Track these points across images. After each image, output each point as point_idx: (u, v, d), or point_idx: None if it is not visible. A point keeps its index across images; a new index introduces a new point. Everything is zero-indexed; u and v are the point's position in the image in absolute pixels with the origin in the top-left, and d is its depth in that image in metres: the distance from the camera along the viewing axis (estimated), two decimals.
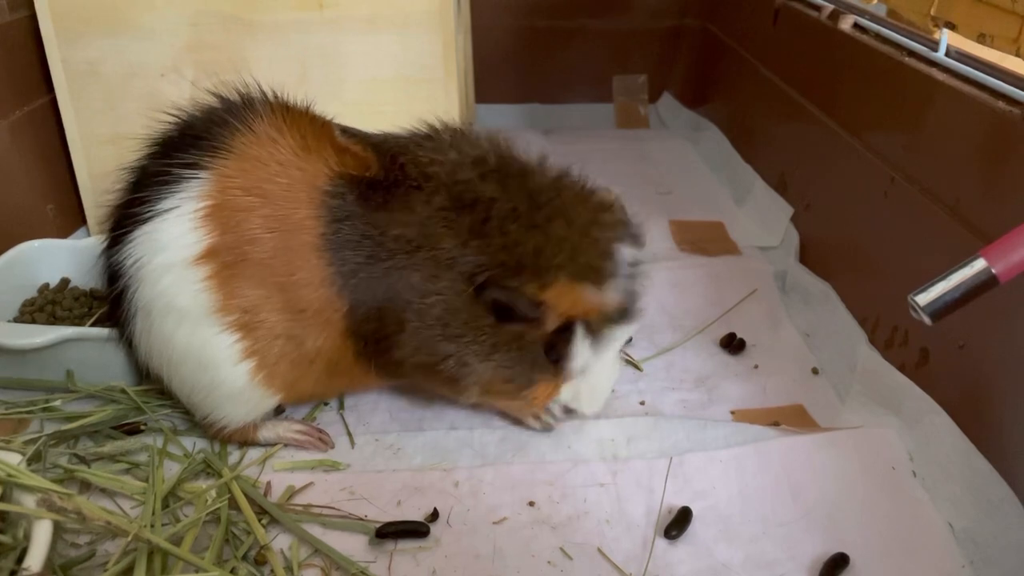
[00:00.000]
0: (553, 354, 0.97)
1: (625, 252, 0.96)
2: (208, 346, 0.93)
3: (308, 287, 0.93)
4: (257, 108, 0.96)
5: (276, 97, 0.99)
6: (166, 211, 0.92)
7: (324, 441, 1.05)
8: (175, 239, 0.91)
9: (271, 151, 0.93)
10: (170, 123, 0.99)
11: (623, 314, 0.97)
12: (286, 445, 1.04)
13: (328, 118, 1.01)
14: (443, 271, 0.92)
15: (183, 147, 0.94)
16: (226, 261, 0.91)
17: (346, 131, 1.01)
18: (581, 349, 0.97)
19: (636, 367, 1.23)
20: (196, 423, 1.04)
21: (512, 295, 0.92)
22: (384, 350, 0.96)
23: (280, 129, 0.95)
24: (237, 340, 0.93)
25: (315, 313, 0.94)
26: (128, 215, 0.95)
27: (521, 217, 0.92)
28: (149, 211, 0.92)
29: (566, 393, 1.02)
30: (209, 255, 0.91)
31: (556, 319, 0.94)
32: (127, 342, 1.01)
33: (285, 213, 0.92)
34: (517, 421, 1.09)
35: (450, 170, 0.95)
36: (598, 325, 0.96)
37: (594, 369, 1.00)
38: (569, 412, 1.07)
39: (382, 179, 0.95)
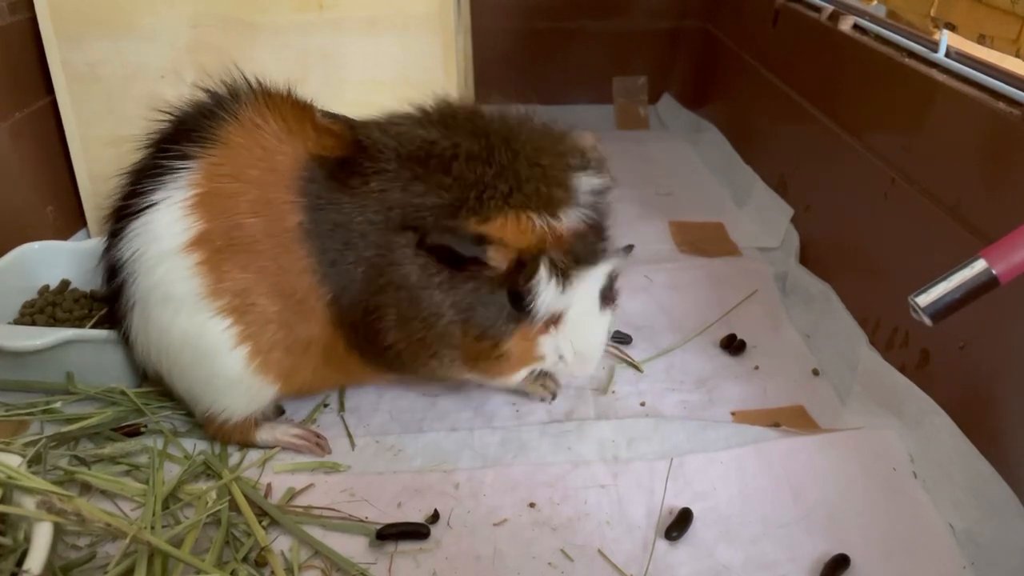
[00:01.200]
0: (517, 301, 0.90)
1: (585, 181, 0.90)
2: (204, 332, 0.94)
3: (291, 273, 0.93)
4: (241, 96, 0.97)
5: (259, 84, 0.99)
6: (157, 202, 0.93)
7: (321, 446, 1.04)
8: (166, 228, 0.92)
9: (255, 137, 0.94)
10: (164, 121, 1.00)
11: (592, 253, 0.91)
12: (284, 449, 1.04)
13: (308, 100, 1.01)
14: (394, 234, 0.90)
15: (174, 141, 0.96)
16: (216, 246, 0.92)
17: (329, 115, 1.01)
18: (546, 289, 0.89)
19: (636, 368, 1.23)
20: (196, 424, 1.04)
21: (448, 235, 0.86)
22: (372, 340, 0.96)
23: (263, 115, 0.96)
24: (230, 325, 0.94)
25: (300, 300, 0.94)
26: (124, 211, 0.96)
27: (461, 155, 0.88)
28: (143, 204, 0.94)
29: (551, 355, 0.96)
30: (199, 241, 0.92)
31: (505, 255, 0.88)
32: (125, 337, 1.01)
33: (269, 198, 0.93)
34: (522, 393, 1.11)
35: (399, 135, 0.92)
36: (564, 265, 0.89)
37: (573, 321, 0.93)
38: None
39: (348, 160, 0.94)
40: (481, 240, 0.87)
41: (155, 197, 0.93)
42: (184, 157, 0.93)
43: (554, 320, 0.93)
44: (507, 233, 0.87)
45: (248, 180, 0.93)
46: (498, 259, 0.88)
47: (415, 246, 0.89)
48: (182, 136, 0.96)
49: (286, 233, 0.92)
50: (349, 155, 0.94)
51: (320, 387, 1.10)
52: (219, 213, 0.92)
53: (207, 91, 1.00)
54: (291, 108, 0.98)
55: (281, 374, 0.99)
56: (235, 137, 0.94)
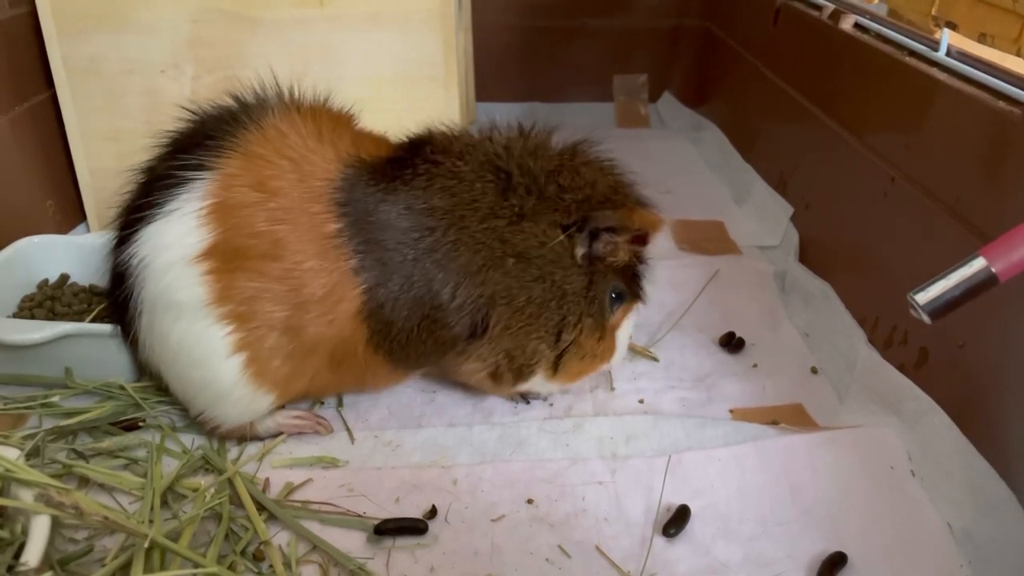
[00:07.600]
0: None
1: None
2: (201, 340, 0.93)
3: (320, 273, 0.93)
4: (268, 105, 0.97)
5: (290, 93, 0.99)
6: (171, 211, 0.92)
7: (323, 425, 1.05)
8: (178, 239, 0.91)
9: (278, 147, 0.94)
10: (182, 122, 0.99)
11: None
12: (286, 439, 1.04)
13: (347, 109, 1.02)
14: (520, 229, 0.97)
15: (191, 147, 0.95)
16: (228, 255, 0.91)
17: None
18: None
19: (653, 358, 1.24)
20: (194, 419, 1.04)
21: (610, 218, 1.00)
22: (428, 332, 0.97)
23: (291, 123, 0.95)
24: (230, 332, 0.93)
25: (322, 299, 0.93)
26: (136, 215, 0.95)
27: (587, 167, 1.04)
28: (155, 211, 0.93)
29: (624, 343, 1.09)
30: (210, 251, 0.91)
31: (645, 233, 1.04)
32: (133, 341, 1.00)
33: (294, 207, 0.92)
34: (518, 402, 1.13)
35: (491, 147, 1.00)
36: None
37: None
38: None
39: (404, 157, 0.97)
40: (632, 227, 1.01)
41: (169, 207, 0.92)
42: (200, 167, 0.92)
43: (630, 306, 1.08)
44: (640, 222, 1.02)
45: (269, 190, 0.92)
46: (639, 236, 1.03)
47: (563, 234, 0.99)
48: (201, 142, 0.94)
49: (318, 238, 0.92)
50: (401, 154, 0.98)
51: (317, 394, 1.10)
52: (234, 223, 0.91)
53: (235, 97, 0.99)
54: (326, 117, 0.98)
55: (277, 383, 0.98)
56: (255, 147, 0.93)
